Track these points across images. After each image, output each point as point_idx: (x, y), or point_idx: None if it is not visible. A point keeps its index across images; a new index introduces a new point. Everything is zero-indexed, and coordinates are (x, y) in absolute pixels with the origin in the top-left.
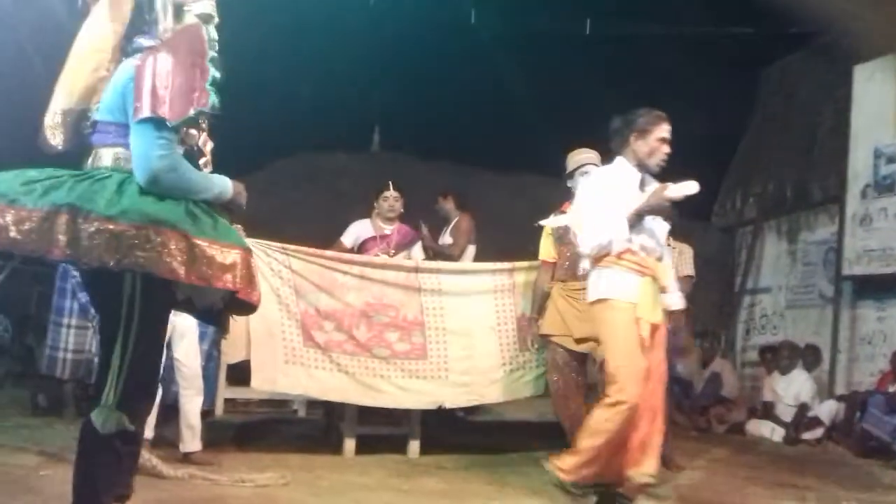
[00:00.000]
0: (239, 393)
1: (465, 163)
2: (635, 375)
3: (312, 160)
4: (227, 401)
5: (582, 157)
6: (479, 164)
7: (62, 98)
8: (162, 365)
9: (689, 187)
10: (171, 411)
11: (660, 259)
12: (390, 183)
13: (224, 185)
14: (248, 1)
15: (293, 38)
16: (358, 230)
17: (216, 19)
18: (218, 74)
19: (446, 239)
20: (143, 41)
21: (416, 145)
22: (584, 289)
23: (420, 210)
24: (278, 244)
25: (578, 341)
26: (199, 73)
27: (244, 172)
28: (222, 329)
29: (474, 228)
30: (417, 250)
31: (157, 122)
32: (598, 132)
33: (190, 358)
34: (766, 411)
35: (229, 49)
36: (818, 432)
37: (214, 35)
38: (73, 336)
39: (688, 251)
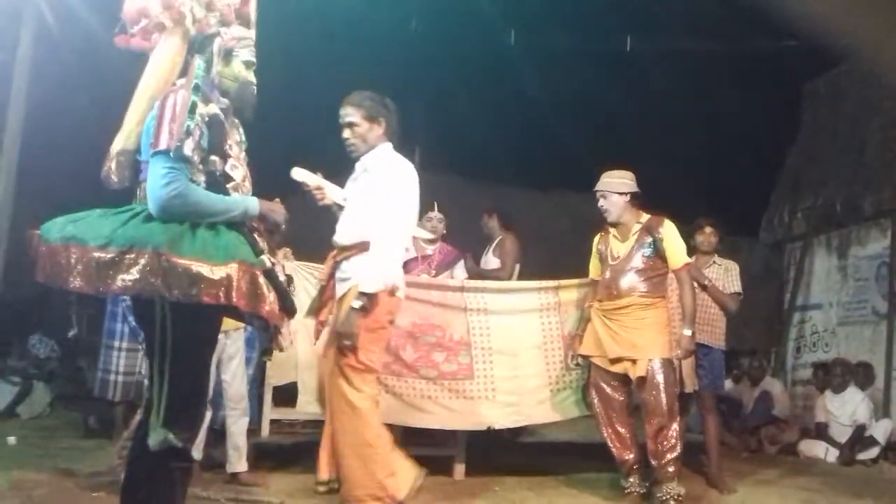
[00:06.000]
0: (285, 414)
1: (506, 181)
2: None
3: None
4: (272, 422)
5: (601, 181)
6: (521, 183)
7: (120, 139)
8: (209, 385)
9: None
10: (220, 435)
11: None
12: (435, 204)
13: (246, 205)
14: (287, 26)
15: (332, 61)
16: None
17: (255, 64)
18: (214, 112)
19: (489, 257)
20: (178, 82)
21: (456, 165)
22: (619, 308)
23: (461, 230)
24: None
25: (613, 361)
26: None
27: (286, 195)
28: (274, 343)
29: (519, 248)
30: (460, 269)
31: (164, 155)
32: (641, 149)
33: (237, 380)
34: (820, 431)
35: (270, 74)
36: (873, 452)
37: (253, 79)
38: (124, 358)
39: (734, 268)
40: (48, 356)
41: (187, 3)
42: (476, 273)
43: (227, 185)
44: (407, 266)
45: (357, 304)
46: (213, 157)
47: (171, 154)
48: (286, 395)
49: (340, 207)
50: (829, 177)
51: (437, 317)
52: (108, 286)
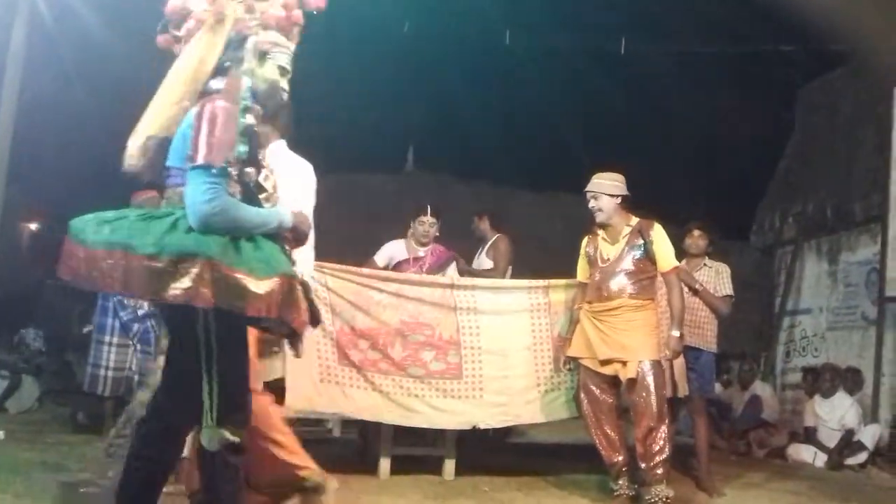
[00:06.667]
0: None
1: (499, 182)
2: None
3: (347, 179)
4: None
5: (592, 182)
6: (514, 184)
7: (148, 124)
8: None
9: None
10: None
11: None
12: (427, 207)
13: (282, 218)
14: None
15: (329, 60)
16: (392, 251)
17: (290, 73)
18: (251, 122)
19: (482, 259)
20: (213, 83)
21: (450, 165)
22: (609, 310)
23: (454, 230)
24: (314, 262)
25: (603, 363)
26: (234, 122)
27: None
28: (295, 351)
29: (512, 249)
30: (452, 271)
31: (204, 169)
32: (633, 151)
33: None
34: (808, 436)
35: None
36: (861, 457)
37: (286, 87)
38: (114, 354)
39: (725, 270)
40: (38, 350)
41: (231, 3)
42: (468, 273)
43: (260, 196)
44: (399, 268)
45: None
46: (249, 169)
47: (214, 170)
48: (275, 391)
49: None
50: (821, 182)
51: (427, 315)
52: (160, 294)
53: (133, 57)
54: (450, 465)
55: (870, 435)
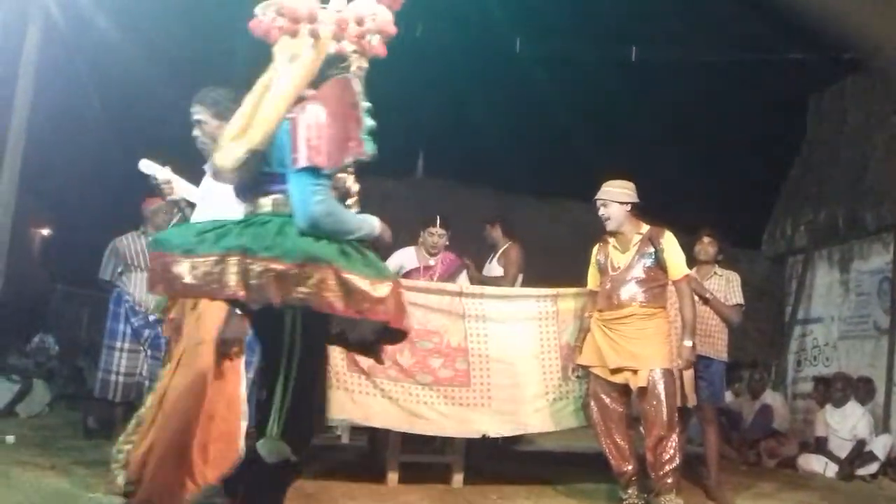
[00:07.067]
0: None
1: (507, 188)
2: None
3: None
4: None
5: (602, 190)
6: (522, 190)
7: (250, 137)
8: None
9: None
10: None
11: None
12: (437, 219)
13: (372, 224)
14: None
15: None
16: (402, 258)
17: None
18: (373, 123)
19: (493, 266)
20: (306, 93)
21: (459, 171)
22: (620, 318)
23: (462, 236)
24: None
25: (613, 372)
26: (354, 123)
27: None
28: (378, 359)
29: (523, 257)
30: (463, 279)
31: (313, 171)
32: (644, 158)
33: None
34: (819, 446)
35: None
36: (873, 467)
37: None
38: (125, 359)
39: (735, 279)
40: (50, 354)
41: (326, 26)
42: (479, 280)
43: (347, 201)
44: (410, 276)
45: (238, 309)
46: (342, 174)
47: (326, 171)
48: None
49: (190, 204)
50: (832, 191)
51: (435, 322)
52: (284, 297)
53: (145, 66)
54: (458, 473)
55: (881, 445)
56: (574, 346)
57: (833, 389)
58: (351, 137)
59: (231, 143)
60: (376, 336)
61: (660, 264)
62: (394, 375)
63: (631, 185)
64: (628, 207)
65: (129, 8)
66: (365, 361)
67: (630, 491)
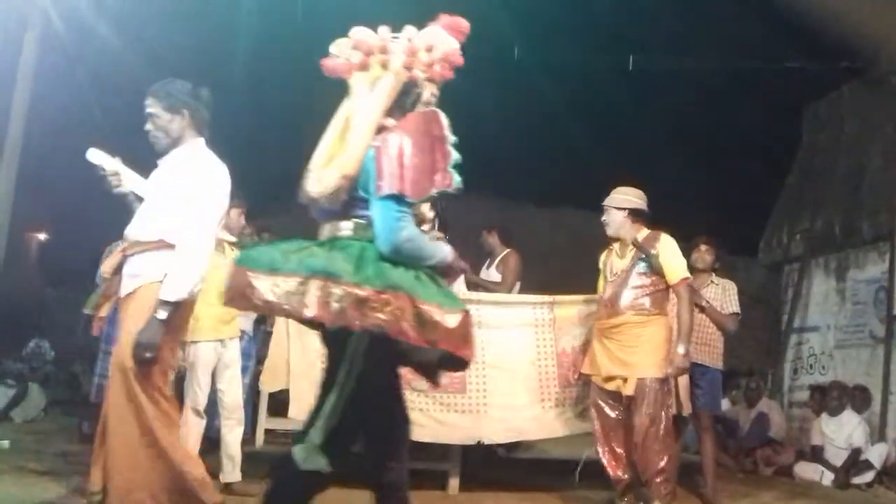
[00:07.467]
0: (279, 424)
1: (505, 196)
2: None
3: None
4: (267, 431)
5: (610, 197)
6: (520, 198)
7: (343, 163)
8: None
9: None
10: (214, 444)
11: None
12: (435, 221)
13: (445, 252)
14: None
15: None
16: None
17: None
18: (459, 157)
19: (491, 273)
20: (384, 122)
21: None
22: (615, 326)
23: (460, 243)
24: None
25: (607, 379)
26: (442, 155)
27: (281, 208)
28: (434, 382)
29: (521, 265)
30: (460, 284)
31: (397, 199)
32: (641, 166)
33: (233, 389)
34: (815, 454)
35: (277, 90)
36: (868, 476)
37: None
38: None
39: (732, 288)
40: (46, 358)
41: (397, 56)
42: (475, 283)
43: (423, 227)
44: None
45: (163, 314)
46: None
47: (408, 199)
48: (281, 404)
49: (138, 198)
50: (828, 199)
51: None
52: (363, 322)
53: (143, 72)
54: (454, 480)
55: (877, 454)
56: (577, 353)
57: (829, 398)
58: (437, 169)
59: (322, 171)
60: (439, 360)
61: (654, 269)
62: None
63: (635, 191)
64: (626, 213)
65: (128, 14)
66: None
67: (626, 499)
